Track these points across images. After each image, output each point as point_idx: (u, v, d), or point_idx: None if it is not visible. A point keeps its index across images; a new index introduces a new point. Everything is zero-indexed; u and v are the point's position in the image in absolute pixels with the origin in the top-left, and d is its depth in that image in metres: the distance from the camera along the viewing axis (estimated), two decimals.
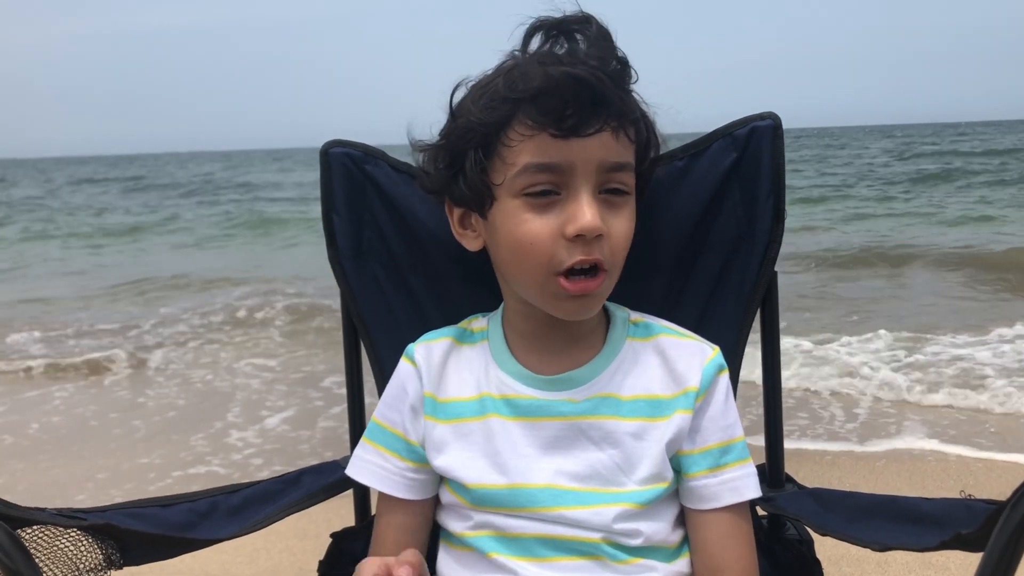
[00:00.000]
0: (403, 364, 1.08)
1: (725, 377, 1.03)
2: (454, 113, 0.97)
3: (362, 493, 1.29)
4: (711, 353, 1.03)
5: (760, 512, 1.16)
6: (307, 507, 1.13)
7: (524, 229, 0.92)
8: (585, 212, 0.90)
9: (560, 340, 1.02)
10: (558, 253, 0.92)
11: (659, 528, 0.99)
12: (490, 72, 0.96)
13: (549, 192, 0.91)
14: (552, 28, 0.92)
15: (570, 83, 0.87)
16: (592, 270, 0.93)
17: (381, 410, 1.09)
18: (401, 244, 1.24)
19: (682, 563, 1.01)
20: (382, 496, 1.07)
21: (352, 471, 1.08)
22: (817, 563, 1.13)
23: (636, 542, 0.97)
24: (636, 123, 0.94)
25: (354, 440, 1.27)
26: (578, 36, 0.92)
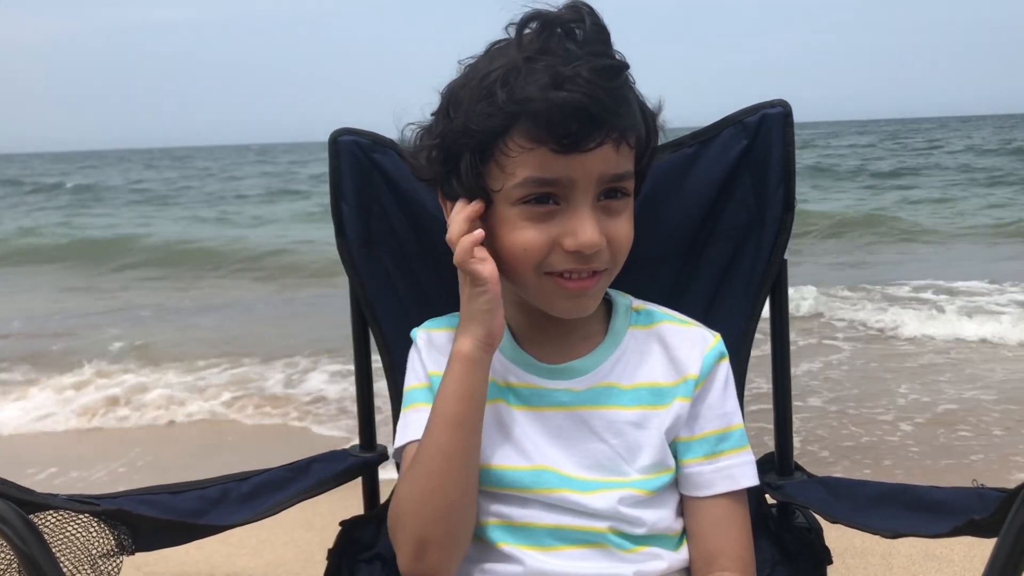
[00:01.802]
0: (412, 347, 1.10)
1: (725, 365, 1.04)
2: (449, 108, 0.95)
3: (371, 482, 1.29)
4: (712, 341, 1.04)
5: (770, 500, 1.16)
6: (317, 494, 1.13)
7: (519, 237, 0.92)
8: (586, 229, 0.90)
9: (560, 330, 1.03)
10: (551, 258, 0.92)
11: (663, 516, 1.00)
12: (484, 57, 0.94)
13: (547, 201, 0.91)
14: (547, 22, 0.90)
15: (567, 106, 0.85)
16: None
17: (408, 379, 1.09)
18: (409, 232, 1.24)
19: (687, 550, 1.02)
20: (413, 447, 1.00)
21: (400, 439, 1.05)
22: (826, 551, 1.13)
23: (640, 531, 0.98)
24: (637, 130, 0.93)
25: (363, 427, 1.27)
26: (576, 31, 0.90)
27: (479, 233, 0.92)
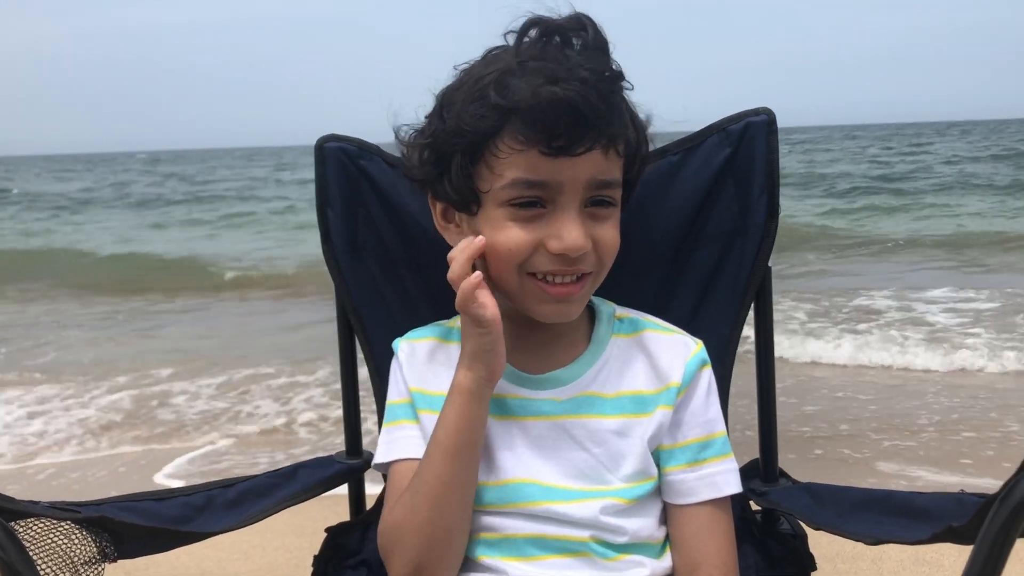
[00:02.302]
0: (394, 359, 1.10)
1: (708, 372, 1.04)
2: (442, 109, 0.95)
3: (357, 489, 1.29)
4: (694, 348, 1.04)
5: (754, 506, 1.17)
6: (303, 501, 1.13)
7: (505, 237, 0.92)
8: (571, 231, 0.90)
9: (543, 338, 1.03)
10: (535, 259, 0.92)
11: (645, 524, 1.00)
12: (480, 62, 0.95)
13: (535, 204, 0.91)
14: (548, 28, 0.91)
15: (561, 104, 0.85)
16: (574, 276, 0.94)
17: (391, 392, 1.09)
18: (395, 239, 1.24)
19: (670, 558, 1.02)
20: (402, 461, 1.02)
21: (381, 455, 1.05)
22: (811, 557, 1.14)
23: (622, 540, 0.98)
24: (627, 138, 0.93)
25: (349, 432, 1.28)
26: (574, 41, 0.90)
27: (478, 276, 0.91)
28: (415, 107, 1.00)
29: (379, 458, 1.06)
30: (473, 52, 0.97)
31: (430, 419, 1.02)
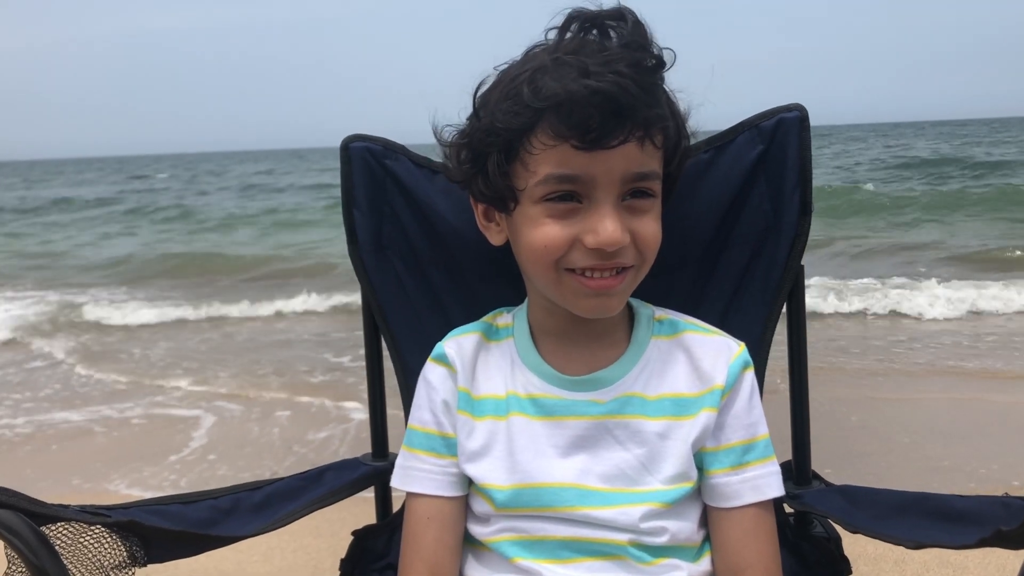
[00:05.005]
0: (432, 365, 1.07)
1: (750, 374, 1.02)
2: (478, 109, 0.95)
3: (384, 491, 1.28)
4: (737, 350, 1.02)
5: (788, 509, 1.15)
6: (330, 504, 1.12)
7: (541, 233, 0.91)
8: (607, 226, 0.88)
9: (584, 337, 1.01)
10: (572, 255, 0.91)
11: (684, 527, 0.98)
12: (518, 61, 0.94)
13: (570, 199, 0.90)
14: (586, 22, 0.90)
15: (595, 96, 0.84)
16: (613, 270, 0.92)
17: (414, 414, 1.07)
18: (421, 238, 1.23)
19: (706, 562, 1.00)
20: (418, 496, 1.03)
21: (396, 481, 1.06)
22: (845, 560, 1.12)
23: (662, 540, 0.96)
24: (665, 129, 0.91)
25: (375, 432, 1.27)
26: (612, 33, 0.89)
27: None
28: (459, 109, 0.99)
29: (395, 481, 1.07)
30: (516, 50, 0.96)
31: (465, 422, 1.02)
